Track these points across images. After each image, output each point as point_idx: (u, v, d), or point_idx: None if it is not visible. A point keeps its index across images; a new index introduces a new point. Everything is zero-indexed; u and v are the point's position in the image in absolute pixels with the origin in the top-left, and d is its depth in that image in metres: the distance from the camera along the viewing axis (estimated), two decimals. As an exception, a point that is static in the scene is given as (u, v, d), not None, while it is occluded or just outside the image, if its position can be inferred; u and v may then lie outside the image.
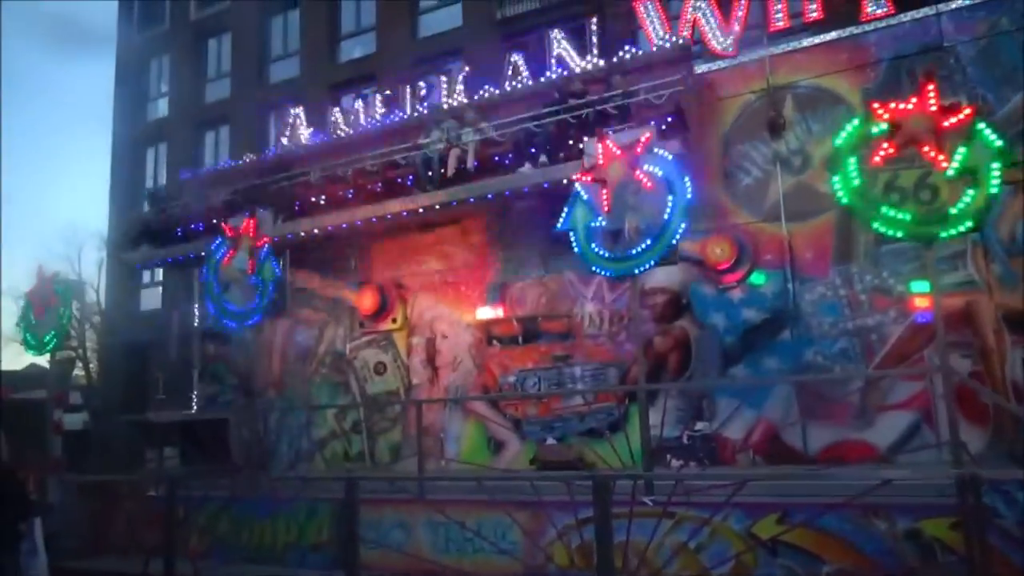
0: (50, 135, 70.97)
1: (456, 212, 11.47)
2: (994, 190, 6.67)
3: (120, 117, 22.78)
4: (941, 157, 6.74)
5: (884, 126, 6.97)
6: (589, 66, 11.04)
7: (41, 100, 71.22)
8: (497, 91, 11.73)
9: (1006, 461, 8.06)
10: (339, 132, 13.02)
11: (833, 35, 10.00)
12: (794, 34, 10.43)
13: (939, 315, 7.04)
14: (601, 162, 8.46)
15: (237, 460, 11.73)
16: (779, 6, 10.57)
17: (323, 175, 12.05)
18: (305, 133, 13.44)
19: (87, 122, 67.28)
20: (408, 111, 12.61)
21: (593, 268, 8.61)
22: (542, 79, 11.38)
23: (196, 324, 14.45)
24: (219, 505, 8.46)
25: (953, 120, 6.79)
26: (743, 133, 10.41)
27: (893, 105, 7.06)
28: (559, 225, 8.65)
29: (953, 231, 6.86)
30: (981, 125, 6.80)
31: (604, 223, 8.31)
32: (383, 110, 12.82)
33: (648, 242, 8.02)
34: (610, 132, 9.14)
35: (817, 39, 10.10)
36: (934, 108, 6.87)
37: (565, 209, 8.59)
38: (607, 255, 8.32)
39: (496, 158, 10.80)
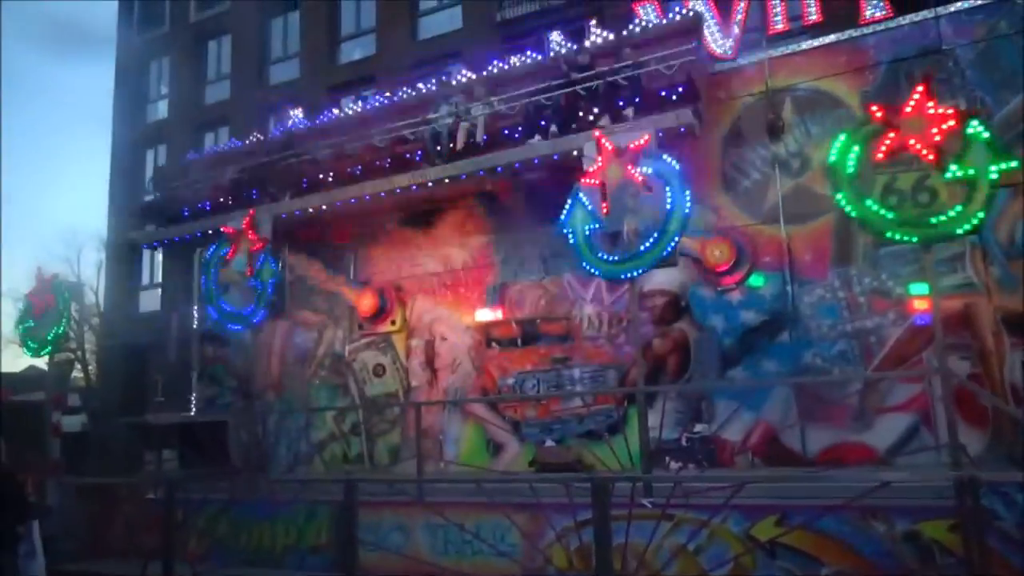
0: (49, 136, 71.05)
1: (463, 188, 11.38)
2: (992, 193, 6.70)
3: (120, 118, 22.80)
4: (939, 160, 6.76)
5: (881, 129, 6.99)
6: (599, 40, 10.90)
7: (40, 101, 71.28)
8: (506, 66, 11.65)
9: (1005, 463, 8.07)
10: (347, 110, 12.96)
11: (832, 38, 10.01)
12: (793, 37, 10.45)
13: (938, 317, 7.05)
14: (599, 164, 8.46)
15: (236, 462, 11.70)
16: (778, 9, 10.60)
17: (331, 151, 12.01)
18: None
19: (87, 123, 67.40)
20: (415, 89, 12.51)
21: (591, 270, 8.62)
22: (551, 53, 11.30)
23: (195, 326, 14.42)
24: (218, 508, 8.44)
25: (951, 123, 6.81)
26: (742, 135, 10.41)
27: (891, 108, 7.09)
28: (559, 227, 8.66)
29: (952, 233, 6.89)
30: (979, 128, 6.83)
31: (602, 225, 8.32)
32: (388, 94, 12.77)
33: (647, 244, 8.03)
34: (622, 114, 9.15)
35: (816, 42, 10.11)
36: (932, 111, 6.89)
37: (565, 210, 8.61)
38: (606, 257, 8.33)
39: (505, 131, 10.78)
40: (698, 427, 9.98)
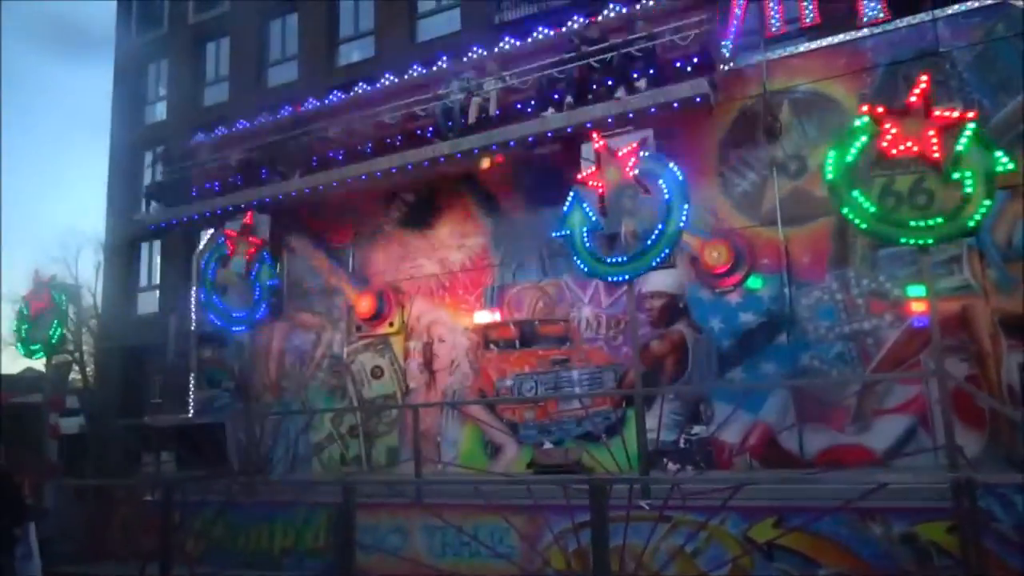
0: (47, 138, 70.95)
1: (471, 171, 11.38)
2: (990, 195, 6.72)
3: (118, 120, 22.80)
4: (936, 162, 6.78)
5: (879, 131, 7.01)
6: (612, 15, 10.85)
7: (38, 102, 71.24)
8: (517, 42, 11.59)
9: (1003, 465, 8.09)
10: (357, 89, 12.92)
11: (830, 40, 10.02)
12: (791, 39, 10.46)
13: (935, 319, 7.06)
14: (597, 166, 8.47)
15: (234, 464, 11.69)
16: (776, 11, 10.60)
17: (341, 129, 12.00)
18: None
19: (85, 125, 67.31)
20: (426, 67, 12.47)
21: (589, 272, 8.62)
22: (563, 28, 11.24)
23: (193, 328, 14.42)
24: (215, 510, 8.42)
25: (948, 125, 6.83)
26: (740, 138, 10.42)
27: (889, 110, 7.10)
28: (557, 229, 8.67)
29: (949, 236, 6.91)
30: (976, 130, 6.84)
31: (600, 227, 8.32)
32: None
33: (645, 246, 8.03)
34: (636, 85, 9.22)
35: (814, 44, 10.12)
36: (929, 113, 6.91)
37: (563, 212, 8.63)
38: (604, 259, 8.33)
39: (518, 105, 10.71)
40: (696, 429, 9.99)
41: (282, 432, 12.64)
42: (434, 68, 12.16)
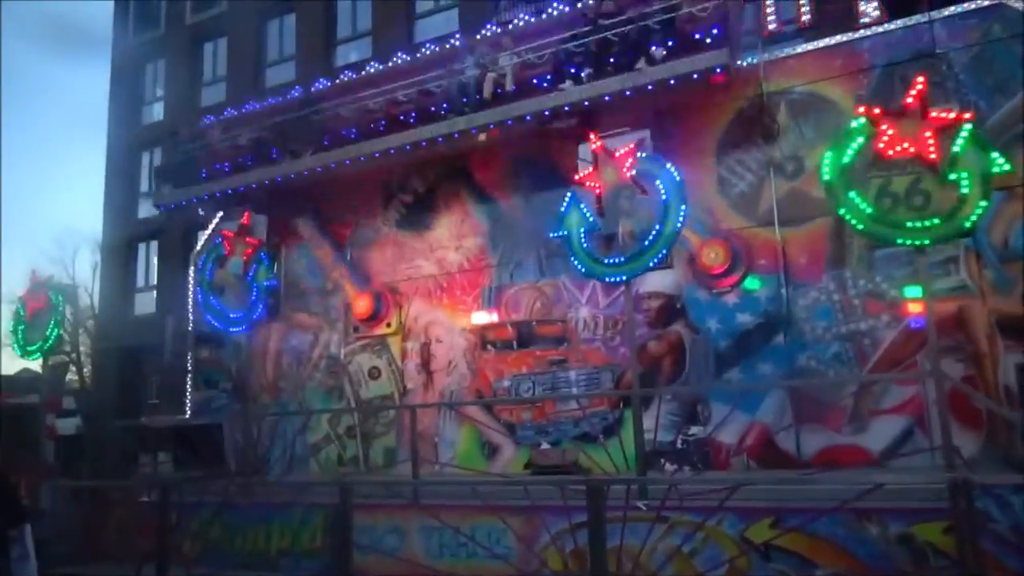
0: (44, 137, 70.86)
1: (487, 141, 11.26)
2: (986, 196, 6.73)
3: (115, 120, 22.77)
4: (933, 163, 6.80)
5: (875, 132, 7.03)
6: None
7: (36, 102, 71.13)
8: (532, 19, 11.48)
9: (999, 465, 8.10)
10: (369, 68, 12.82)
11: (827, 41, 10.03)
12: (788, 40, 10.47)
13: (931, 320, 7.07)
14: (594, 167, 8.47)
15: (231, 465, 11.68)
16: (773, 12, 10.60)
17: (354, 107, 11.91)
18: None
19: (82, 125, 67.25)
20: (439, 45, 12.32)
21: (587, 273, 8.62)
22: (579, 4, 11.10)
23: (190, 329, 14.40)
24: (212, 511, 8.42)
25: (945, 126, 6.85)
26: (737, 138, 10.43)
27: (885, 111, 7.12)
28: (554, 230, 8.68)
29: (946, 236, 6.93)
30: (973, 131, 6.86)
31: (598, 228, 8.33)
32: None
33: (642, 247, 8.04)
34: (656, 57, 9.19)
35: (811, 45, 10.13)
36: (926, 114, 6.92)
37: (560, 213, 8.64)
38: (601, 260, 8.34)
39: (534, 80, 10.59)
40: (693, 429, 10.00)
41: (279, 433, 12.63)
42: (447, 46, 12.02)
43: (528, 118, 10.55)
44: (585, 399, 10.81)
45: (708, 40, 9.50)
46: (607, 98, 9.96)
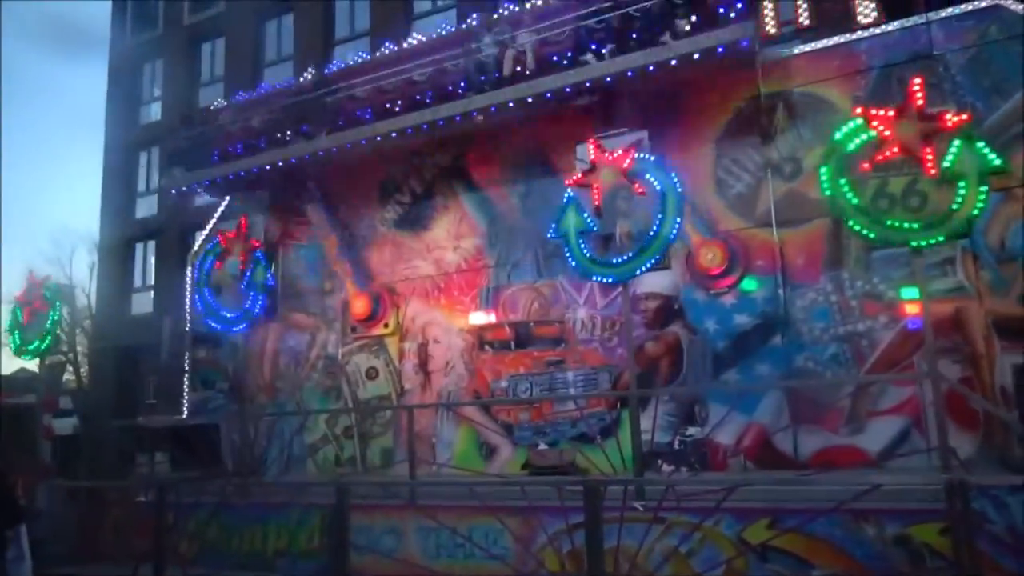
0: (41, 137, 70.75)
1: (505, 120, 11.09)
2: (982, 197, 6.75)
3: (112, 120, 22.75)
4: (929, 164, 6.82)
5: (873, 133, 7.05)
6: None
7: (33, 101, 71.02)
8: None
9: (996, 466, 8.12)
10: (383, 49, 12.62)
11: (825, 42, 10.04)
12: (786, 41, 10.49)
13: (928, 321, 7.08)
14: (592, 167, 8.48)
15: (228, 466, 11.67)
16: (771, 13, 10.62)
17: (369, 87, 11.77)
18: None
19: (79, 124, 66.98)
20: (455, 24, 12.18)
21: (584, 273, 8.63)
22: None
23: (187, 329, 14.38)
24: (209, 511, 8.41)
25: (942, 127, 6.87)
26: (735, 139, 10.44)
27: (882, 112, 7.14)
28: (551, 231, 8.68)
29: (942, 237, 6.94)
30: (970, 132, 6.88)
31: (595, 228, 8.34)
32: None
33: (640, 247, 8.05)
34: (680, 31, 9.16)
35: (808, 46, 10.15)
36: (923, 115, 6.94)
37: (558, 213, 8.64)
38: (598, 260, 8.34)
39: (554, 57, 10.40)
40: (691, 430, 10.00)
41: (276, 433, 12.63)
42: (463, 26, 11.82)
43: (549, 95, 10.34)
44: (583, 400, 10.81)
45: (732, 15, 9.33)
46: (630, 74, 9.73)
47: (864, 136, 7.12)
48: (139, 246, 21.63)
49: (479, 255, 12.10)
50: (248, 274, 10.52)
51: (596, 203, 8.31)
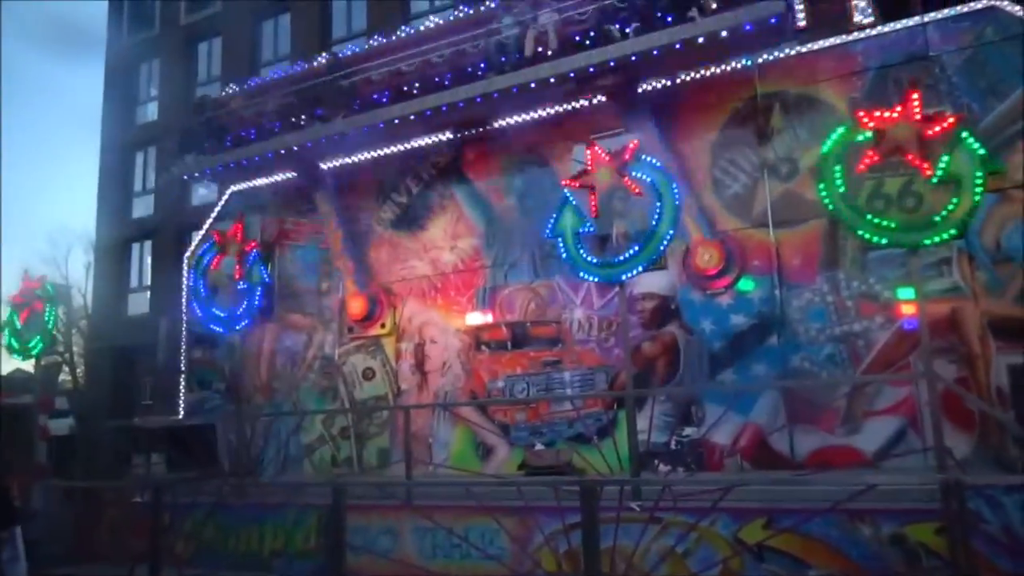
0: (38, 136, 70.60)
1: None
2: (978, 197, 6.77)
3: (109, 120, 22.73)
4: (925, 165, 6.84)
5: (869, 134, 7.07)
6: None
7: (29, 101, 70.84)
8: None
9: (991, 466, 8.14)
10: (399, 33, 12.40)
11: (821, 43, 10.06)
12: (783, 42, 10.48)
13: (924, 321, 7.10)
14: (589, 168, 8.49)
15: (224, 466, 11.66)
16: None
17: (386, 70, 11.57)
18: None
19: (76, 124, 67.03)
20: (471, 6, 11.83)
21: (581, 274, 8.64)
22: None
23: (183, 329, 14.37)
24: (205, 511, 8.40)
25: (937, 128, 6.89)
26: (731, 140, 10.45)
27: (878, 113, 7.16)
28: (548, 231, 8.70)
29: (937, 238, 6.96)
30: (965, 133, 6.90)
31: (592, 229, 8.34)
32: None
33: (636, 248, 8.06)
34: (709, 7, 9.05)
35: (805, 47, 10.16)
36: (919, 116, 6.96)
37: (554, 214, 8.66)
38: (595, 261, 8.35)
39: (577, 37, 10.17)
40: (687, 430, 10.01)
41: (273, 433, 12.63)
42: (481, 8, 11.50)
43: (572, 75, 10.13)
44: (579, 400, 10.81)
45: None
46: (656, 52, 9.50)
47: (860, 138, 7.15)
48: (135, 246, 21.62)
49: (476, 255, 12.10)
50: (244, 274, 10.52)
51: (592, 204, 8.32)
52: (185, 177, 14.00)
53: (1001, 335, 8.70)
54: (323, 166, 13.03)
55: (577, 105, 11.08)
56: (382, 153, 12.72)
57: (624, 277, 8.28)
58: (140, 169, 21.96)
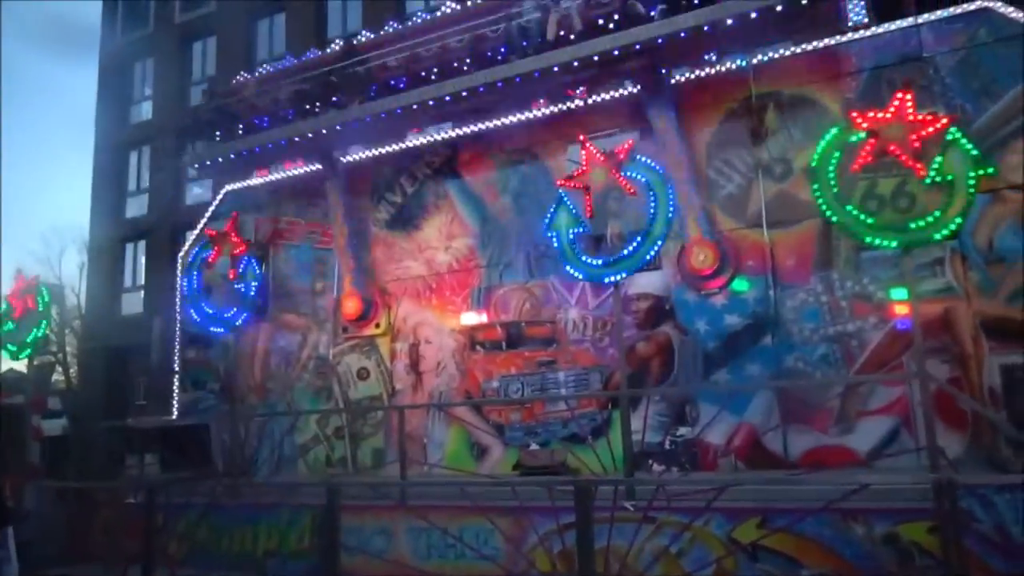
0: (32, 135, 70.31)
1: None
2: (971, 198, 6.80)
3: (103, 119, 22.67)
4: (919, 165, 6.87)
5: (863, 135, 7.10)
6: None
7: (24, 101, 70.57)
8: None
9: (984, 466, 8.17)
10: (416, 18, 12.28)
11: (815, 44, 10.08)
12: (777, 42, 10.50)
13: (917, 322, 7.13)
14: (584, 168, 8.49)
15: (218, 466, 11.63)
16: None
17: (403, 55, 11.41)
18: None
19: (70, 123, 66.78)
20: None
21: (576, 273, 8.65)
22: None
23: (177, 329, 14.33)
24: (199, 512, 8.38)
25: (931, 129, 6.92)
26: (725, 140, 10.47)
27: (872, 114, 7.19)
28: (543, 231, 8.70)
29: (931, 238, 6.99)
30: (958, 134, 6.93)
31: (587, 229, 8.35)
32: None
33: (630, 248, 8.07)
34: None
35: (799, 48, 10.18)
36: (912, 117, 6.99)
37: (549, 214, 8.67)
38: (590, 261, 8.36)
39: (600, 20, 9.98)
40: (681, 430, 10.02)
41: (267, 433, 12.61)
42: None
43: (596, 58, 9.96)
44: (574, 400, 10.82)
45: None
46: (683, 35, 9.33)
47: (853, 139, 7.17)
48: (129, 246, 21.56)
49: (471, 255, 12.09)
50: (239, 274, 10.49)
51: (587, 203, 8.33)
52: (195, 167, 13.64)
53: (994, 335, 8.73)
54: (341, 158, 12.88)
55: (572, 105, 11.11)
56: (382, 152, 12.69)
57: (619, 277, 8.28)
58: (134, 169, 21.91)
